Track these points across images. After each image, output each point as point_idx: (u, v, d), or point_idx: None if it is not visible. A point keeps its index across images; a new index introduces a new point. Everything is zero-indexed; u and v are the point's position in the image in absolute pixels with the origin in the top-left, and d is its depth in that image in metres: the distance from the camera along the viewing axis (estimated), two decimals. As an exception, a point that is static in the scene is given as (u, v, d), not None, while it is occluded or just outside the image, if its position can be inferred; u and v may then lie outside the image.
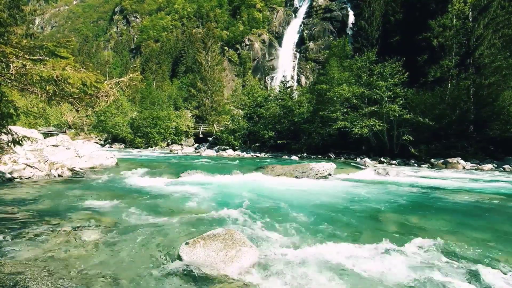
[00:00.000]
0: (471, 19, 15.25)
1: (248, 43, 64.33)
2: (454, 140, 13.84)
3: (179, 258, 2.39)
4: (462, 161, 11.84)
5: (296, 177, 7.69)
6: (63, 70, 2.80)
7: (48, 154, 8.02)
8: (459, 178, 8.43)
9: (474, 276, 2.23)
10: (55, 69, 2.81)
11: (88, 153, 9.34)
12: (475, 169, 11.10)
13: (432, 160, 13.05)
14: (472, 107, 14.25)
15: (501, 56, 13.80)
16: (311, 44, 59.60)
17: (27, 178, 6.53)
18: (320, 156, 17.72)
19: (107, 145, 31.96)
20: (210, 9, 75.78)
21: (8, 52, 2.72)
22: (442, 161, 12.37)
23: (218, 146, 25.24)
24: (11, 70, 2.75)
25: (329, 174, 8.04)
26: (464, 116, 14.28)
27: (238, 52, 64.54)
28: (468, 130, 14.21)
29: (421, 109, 14.82)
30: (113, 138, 33.88)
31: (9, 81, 3.14)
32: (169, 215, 3.87)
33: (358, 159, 14.84)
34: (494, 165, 11.58)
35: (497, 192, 6.14)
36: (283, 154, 19.39)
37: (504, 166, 11.06)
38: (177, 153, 22.38)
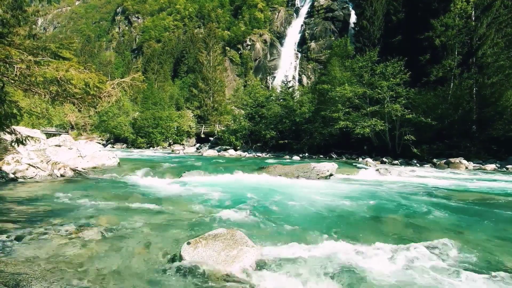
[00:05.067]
0: (473, 18, 15.15)
1: (250, 43, 64.36)
2: (456, 140, 13.77)
3: (181, 257, 2.40)
4: (464, 161, 11.77)
5: (298, 177, 7.69)
6: (66, 72, 2.82)
7: (50, 154, 8.07)
8: (462, 178, 8.39)
9: (476, 276, 2.23)
10: (58, 70, 2.83)
11: (90, 153, 9.38)
12: (477, 169, 11.03)
13: (435, 160, 12.99)
14: (474, 106, 14.17)
15: (504, 55, 13.70)
16: (313, 44, 59.54)
17: (30, 178, 6.57)
18: (321, 156, 17.69)
19: (109, 145, 32.10)
20: (212, 9, 75.89)
21: (13, 53, 2.75)
22: (444, 161, 12.31)
23: (220, 146, 25.27)
24: (15, 71, 2.78)
25: (331, 174, 8.03)
26: (467, 116, 14.20)
27: (239, 52, 64.60)
28: (470, 130, 14.12)
29: (423, 109, 14.75)
30: (115, 138, 34.02)
31: (13, 81, 3.16)
32: (171, 214, 3.88)
33: (360, 159, 14.81)
34: (497, 165, 11.51)
35: (500, 192, 6.10)
36: (285, 154, 19.38)
37: (508, 166, 10.98)
38: (178, 153, 22.44)
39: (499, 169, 10.94)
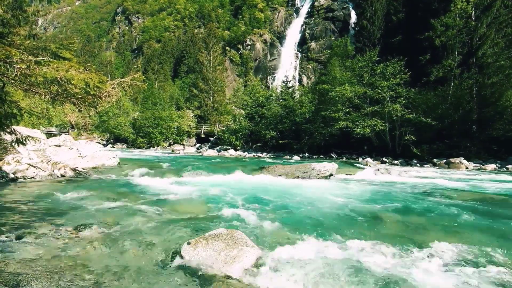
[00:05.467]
0: (474, 18, 15.15)
1: (250, 43, 64.38)
2: (456, 140, 13.78)
3: (181, 257, 2.40)
4: (465, 161, 11.77)
5: (298, 177, 7.69)
6: (67, 72, 2.82)
7: (51, 154, 8.07)
8: (462, 178, 8.38)
9: (475, 277, 2.23)
10: (59, 70, 2.83)
11: (90, 153, 9.39)
12: (478, 169, 11.03)
13: (435, 160, 12.99)
14: (475, 106, 14.17)
15: (504, 55, 13.71)
16: (313, 44, 59.53)
17: (30, 178, 6.58)
18: (321, 156, 17.69)
19: (109, 145, 32.12)
20: (212, 9, 75.92)
21: (13, 53, 2.75)
22: (444, 161, 12.31)
23: (220, 146, 25.28)
24: (15, 71, 2.78)
25: (331, 174, 8.03)
26: (467, 116, 14.20)
27: (239, 52, 64.62)
28: (471, 130, 14.13)
29: (423, 109, 14.76)
30: (115, 138, 34.03)
31: (13, 81, 3.17)
32: (171, 214, 3.88)
33: (360, 159, 14.81)
34: (497, 165, 11.51)
35: (500, 192, 6.10)
36: (285, 154, 19.38)
37: (508, 166, 10.98)
38: (179, 153, 22.44)
39: (499, 169, 10.94)
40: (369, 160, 13.99)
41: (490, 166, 11.28)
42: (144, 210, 4.04)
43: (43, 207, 4.12)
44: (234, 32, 66.30)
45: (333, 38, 53.08)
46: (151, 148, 29.67)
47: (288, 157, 17.81)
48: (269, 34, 65.44)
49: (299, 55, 61.45)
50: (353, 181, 7.62)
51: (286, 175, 7.85)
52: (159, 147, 30.08)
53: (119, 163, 9.65)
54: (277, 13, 68.26)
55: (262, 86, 48.02)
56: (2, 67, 2.89)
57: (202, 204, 4.56)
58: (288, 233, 3.21)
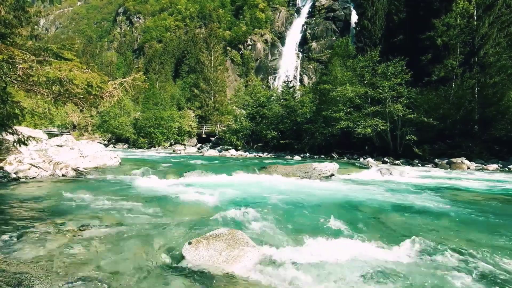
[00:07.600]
0: (475, 17, 15.09)
1: (251, 43, 64.39)
2: (458, 140, 13.73)
3: (182, 257, 2.40)
4: (466, 161, 11.72)
5: (299, 177, 7.68)
6: (70, 72, 2.83)
7: (52, 154, 8.10)
8: (464, 178, 8.35)
9: (476, 276, 2.22)
10: (61, 70, 2.84)
11: (92, 153, 9.40)
12: (480, 169, 10.99)
13: (436, 160, 12.95)
14: (477, 106, 14.12)
15: (506, 55, 13.65)
16: (314, 44, 59.49)
17: (32, 178, 6.60)
18: (323, 156, 17.67)
19: (111, 145, 32.19)
20: (213, 9, 75.97)
21: (16, 54, 2.76)
22: (446, 161, 12.26)
23: (221, 146, 25.30)
24: (18, 71, 2.79)
25: (332, 174, 8.02)
26: (469, 116, 14.15)
27: (240, 52, 64.64)
28: (472, 130, 14.07)
29: (425, 108, 14.72)
30: (116, 138, 34.11)
31: (15, 82, 3.18)
32: (172, 215, 3.89)
33: (361, 159, 14.78)
34: (499, 165, 11.46)
35: (502, 192, 6.08)
36: (286, 154, 19.37)
37: (510, 166, 10.94)
38: (180, 153, 22.47)
39: (501, 169, 10.90)
40: (370, 160, 13.96)
41: (492, 166, 11.23)
42: (145, 210, 4.04)
43: (44, 206, 4.13)
44: (235, 32, 66.31)
45: (334, 38, 53.05)
46: (152, 148, 29.71)
47: (289, 157, 17.80)
48: (270, 34, 65.43)
49: (300, 55, 61.40)
50: (354, 182, 7.61)
51: (287, 175, 7.85)
52: (160, 147, 30.12)
53: (120, 163, 9.66)
54: (278, 13, 68.24)
55: (263, 86, 48.02)
56: (5, 67, 2.90)
57: (203, 204, 4.56)
58: (289, 233, 3.21)
